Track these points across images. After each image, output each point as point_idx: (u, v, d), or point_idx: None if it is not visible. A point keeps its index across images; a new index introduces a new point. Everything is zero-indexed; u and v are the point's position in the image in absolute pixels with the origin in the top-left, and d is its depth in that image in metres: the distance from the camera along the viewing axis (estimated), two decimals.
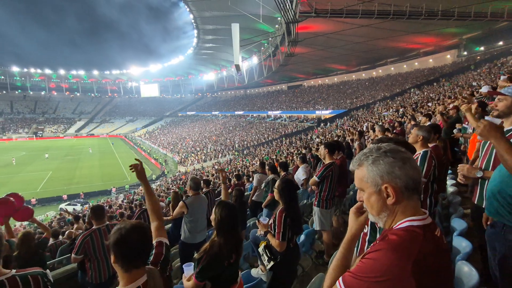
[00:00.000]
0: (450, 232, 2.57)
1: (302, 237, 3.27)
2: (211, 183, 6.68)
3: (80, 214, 10.64)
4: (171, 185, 18.33)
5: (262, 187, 5.21)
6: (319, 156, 3.97)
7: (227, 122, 53.40)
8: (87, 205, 19.70)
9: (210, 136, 44.92)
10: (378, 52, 37.05)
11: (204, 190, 5.03)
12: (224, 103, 70.83)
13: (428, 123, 5.20)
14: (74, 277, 3.77)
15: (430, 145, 2.78)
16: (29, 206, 3.66)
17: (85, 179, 27.52)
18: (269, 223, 2.44)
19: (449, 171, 4.37)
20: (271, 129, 38.32)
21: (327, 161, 3.64)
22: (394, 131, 7.05)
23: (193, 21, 42.16)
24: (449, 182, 4.02)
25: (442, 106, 7.56)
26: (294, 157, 10.79)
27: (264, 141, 32.48)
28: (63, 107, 78.77)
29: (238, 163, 22.48)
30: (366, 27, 25.92)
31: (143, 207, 4.73)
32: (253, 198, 5.58)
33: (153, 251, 1.45)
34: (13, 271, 1.54)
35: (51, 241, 5.50)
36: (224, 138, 40.88)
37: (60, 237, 6.64)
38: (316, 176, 3.62)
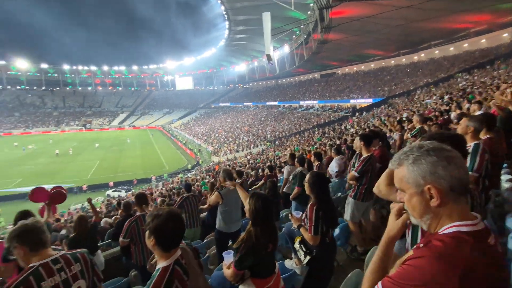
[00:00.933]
0: (504, 233, 2.34)
1: (337, 230, 3.22)
2: (243, 174, 6.79)
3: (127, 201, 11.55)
4: (205, 175, 19.03)
5: (290, 180, 5.18)
6: (355, 148, 3.81)
7: (258, 113, 53.54)
8: (131, 192, 21.33)
9: (242, 126, 45.50)
10: (420, 35, 34.02)
11: (237, 181, 5.14)
12: (255, 93, 70.95)
13: (479, 112, 4.70)
14: (120, 259, 4.12)
15: (483, 136, 2.53)
16: (62, 190, 3.98)
17: (128, 167, 29.71)
18: (302, 217, 2.43)
19: (504, 165, 3.94)
20: (303, 119, 37.64)
21: (364, 154, 3.48)
22: (437, 121, 6.51)
23: (224, 12, 42.34)
24: (504, 177, 3.63)
25: (499, 92, 6.74)
26: (327, 148, 10.53)
27: (296, 131, 32.07)
28: (107, 101, 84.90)
29: (270, 154, 22.55)
30: (406, 8, 23.84)
31: (184, 195, 4.97)
32: (283, 190, 5.57)
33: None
34: (63, 251, 1.73)
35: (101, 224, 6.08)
36: (256, 129, 41.13)
37: (108, 220, 7.30)
38: (355, 171, 3.49)
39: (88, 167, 29.66)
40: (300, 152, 12.11)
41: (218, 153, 33.47)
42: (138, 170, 28.58)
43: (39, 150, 39.07)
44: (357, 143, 3.59)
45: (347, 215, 3.58)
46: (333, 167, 5.25)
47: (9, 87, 76.17)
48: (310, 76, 60.39)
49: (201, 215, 5.25)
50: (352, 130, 18.48)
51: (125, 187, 23.16)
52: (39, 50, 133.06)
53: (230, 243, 4.00)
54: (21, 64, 74.71)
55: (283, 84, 68.11)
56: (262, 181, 6.78)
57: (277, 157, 18.22)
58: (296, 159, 5.15)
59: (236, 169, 8.97)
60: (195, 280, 1.51)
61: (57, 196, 3.89)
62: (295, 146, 21.56)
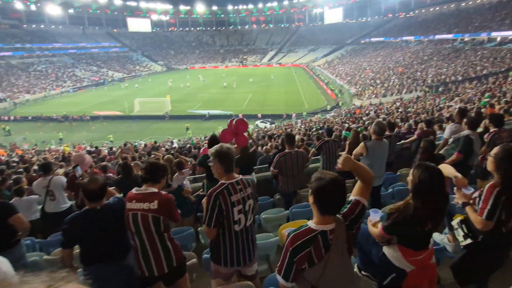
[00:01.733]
0: None
1: None
2: (395, 126, 6.07)
3: (272, 133, 13.23)
4: (343, 118, 18.40)
5: (449, 142, 4.18)
6: None
7: (421, 50, 43.31)
8: (274, 125, 24.01)
9: (395, 67, 38.79)
10: None
11: (386, 133, 4.72)
12: (421, 24, 56.41)
13: None
14: (270, 183, 5.00)
15: None
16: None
17: (273, 102, 32.93)
18: (472, 195, 2.03)
19: None
20: (491, 59, 27.55)
21: None
22: None
23: None
24: None
25: None
26: None
27: (473, 75, 24.31)
28: (260, 38, 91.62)
29: (427, 102, 18.65)
30: None
31: (324, 138, 5.13)
32: (440, 152, 4.65)
33: (348, 206, 1.60)
34: (241, 176, 2.25)
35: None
36: (414, 70, 34.08)
37: (259, 148, 8.73)
38: None
39: (243, 99, 35.04)
40: (476, 109, 9.39)
41: (361, 96, 30.86)
42: (281, 106, 31.15)
43: (211, 82, 49.03)
44: None
45: None
46: None
47: (192, 28, 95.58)
48: None
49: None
50: None
51: (270, 119, 26.17)
52: None
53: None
54: (200, 8, 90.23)
55: (468, 8, 50.03)
56: (415, 136, 5.90)
57: (437, 107, 14.83)
58: (465, 119, 4.04)
59: (387, 120, 8.16)
60: (335, 261, 1.47)
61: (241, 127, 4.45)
62: (475, 97, 16.30)
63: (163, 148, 13.27)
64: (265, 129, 20.69)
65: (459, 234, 1.99)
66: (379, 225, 1.90)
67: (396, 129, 6.23)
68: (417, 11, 63.09)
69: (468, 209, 1.97)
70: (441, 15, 54.95)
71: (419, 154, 3.74)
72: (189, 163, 6.34)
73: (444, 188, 1.75)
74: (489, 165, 1.98)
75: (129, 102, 31.80)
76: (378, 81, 34.15)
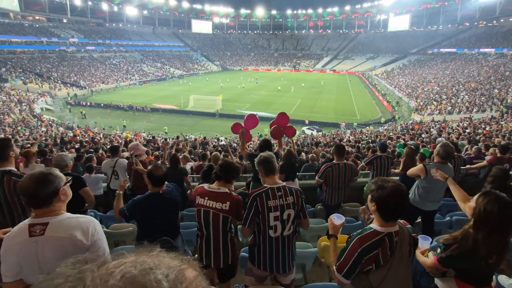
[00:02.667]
0: None
1: None
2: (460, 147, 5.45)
3: (319, 142, 12.93)
4: (399, 133, 17.06)
5: None
6: None
7: (502, 64, 38.01)
8: (321, 132, 23.39)
9: (467, 82, 34.68)
10: None
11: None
12: (505, 35, 49.54)
13: None
14: (314, 191, 4.90)
15: None
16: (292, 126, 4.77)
17: (322, 109, 32.07)
18: None
19: None
20: None
21: None
22: None
23: None
24: None
25: None
26: None
27: None
28: (316, 43, 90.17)
29: (505, 125, 16.27)
30: None
31: (377, 153, 4.87)
32: None
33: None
34: (284, 183, 2.25)
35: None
36: (491, 87, 30.03)
37: (303, 154, 8.59)
38: None
39: (291, 104, 34.84)
40: None
41: (422, 111, 28.26)
42: (330, 113, 30.16)
43: (263, 84, 49.80)
44: None
45: None
46: None
47: (250, 32, 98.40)
48: None
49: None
50: None
51: (317, 127, 25.54)
52: None
53: (419, 219, 3.67)
54: (259, 12, 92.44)
55: None
56: (485, 162, 5.21)
57: None
58: None
59: (454, 142, 7.43)
60: (398, 264, 1.52)
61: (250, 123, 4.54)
62: None
63: (211, 144, 13.89)
64: (311, 136, 20.28)
65: None
66: (430, 255, 1.77)
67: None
68: (502, 20, 55.45)
69: None
70: None
71: (487, 183, 3.29)
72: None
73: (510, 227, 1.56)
74: None
75: (185, 98, 34.04)
76: (444, 96, 30.92)
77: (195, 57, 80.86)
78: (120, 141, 14.41)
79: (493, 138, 10.52)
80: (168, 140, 15.99)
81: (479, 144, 8.61)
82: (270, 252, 2.14)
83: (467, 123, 18.95)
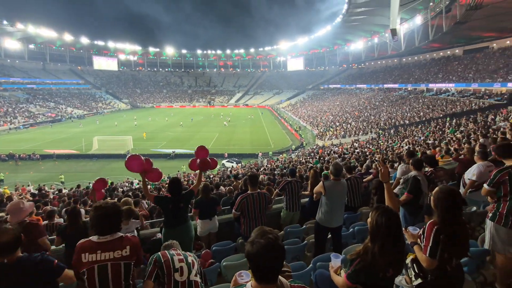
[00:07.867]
0: None
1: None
2: (354, 169, 6.39)
3: (238, 174, 13.05)
4: (307, 158, 19.10)
5: (401, 182, 4.39)
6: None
7: (373, 97, 48.38)
8: (240, 164, 23.95)
9: (352, 111, 42.43)
10: None
11: (347, 176, 4.91)
12: (371, 74, 63.89)
13: None
14: (232, 225, 4.78)
15: None
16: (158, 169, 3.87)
17: (239, 141, 33.26)
18: (419, 233, 2.11)
19: None
20: (431, 106, 31.53)
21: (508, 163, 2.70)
22: None
23: None
24: None
25: None
26: (463, 146, 8.52)
27: (418, 120, 27.36)
28: (228, 81, 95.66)
29: (382, 144, 20.29)
30: None
31: (287, 179, 5.16)
32: (394, 191, 4.89)
33: None
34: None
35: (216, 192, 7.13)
36: (368, 114, 37.50)
37: (222, 188, 8.49)
38: (486, 183, 2.77)
39: (210, 138, 34.97)
40: (419, 152, 10.34)
41: (323, 137, 32.71)
42: (247, 145, 31.54)
43: (178, 121, 48.69)
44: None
45: (486, 243, 2.88)
46: (469, 174, 4.23)
47: (161, 69, 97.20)
48: (448, 52, 48.85)
49: (301, 200, 5.38)
50: (503, 124, 14.17)
51: (236, 159, 26.13)
52: (180, 38, 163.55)
53: (329, 235, 3.95)
54: (169, 51, 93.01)
55: (408, 63, 58.24)
56: (371, 176, 6.23)
57: (390, 149, 16.19)
58: (412, 160, 4.13)
59: (347, 164, 8.57)
60: None
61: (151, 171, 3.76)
62: (421, 135, 18.41)
63: (120, 190, 12.31)
64: (230, 169, 20.50)
65: (411, 273, 2.00)
66: (342, 273, 1.81)
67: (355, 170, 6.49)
68: (367, 64, 71.71)
69: (416, 248, 2.01)
70: (387, 68, 62.99)
71: (373, 195, 3.88)
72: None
73: (401, 233, 1.71)
74: (432, 202, 2.08)
75: (88, 140, 29.92)
76: (337, 123, 36.75)
77: (98, 95, 73.52)
78: None
79: (375, 155, 12.88)
80: (63, 191, 13.39)
81: (366, 161, 10.39)
82: None
83: (357, 144, 22.82)
